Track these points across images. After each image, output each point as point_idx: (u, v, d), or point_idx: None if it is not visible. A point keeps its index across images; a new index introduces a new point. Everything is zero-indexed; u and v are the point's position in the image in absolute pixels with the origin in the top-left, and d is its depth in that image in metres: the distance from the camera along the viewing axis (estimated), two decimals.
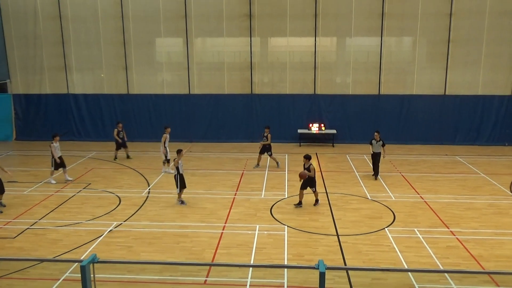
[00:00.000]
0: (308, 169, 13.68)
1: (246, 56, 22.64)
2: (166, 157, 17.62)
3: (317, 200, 14.11)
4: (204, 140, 22.97)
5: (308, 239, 11.70)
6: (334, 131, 22.29)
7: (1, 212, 13.50)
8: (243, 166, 18.64)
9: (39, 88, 23.80)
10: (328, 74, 22.68)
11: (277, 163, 18.51)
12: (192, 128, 23.15)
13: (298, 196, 13.99)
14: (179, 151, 14.41)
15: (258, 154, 18.43)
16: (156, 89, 23.30)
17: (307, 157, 13.89)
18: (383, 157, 16.71)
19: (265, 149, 18.21)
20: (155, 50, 23.39)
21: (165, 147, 17.54)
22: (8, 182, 16.19)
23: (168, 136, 17.84)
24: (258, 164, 18.42)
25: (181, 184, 14.12)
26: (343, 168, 18.41)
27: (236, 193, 15.27)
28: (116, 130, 19.51)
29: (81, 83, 23.68)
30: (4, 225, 12.61)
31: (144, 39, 22.84)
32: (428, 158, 20.04)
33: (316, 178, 14.07)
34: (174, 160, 14.30)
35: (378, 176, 16.69)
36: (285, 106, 22.83)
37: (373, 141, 16.57)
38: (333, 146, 22.14)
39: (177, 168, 14.08)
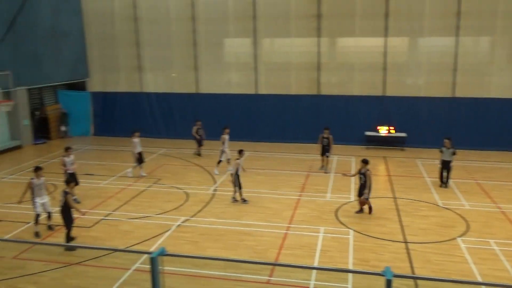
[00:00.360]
0: (364, 174, 13.12)
1: (313, 57, 22.46)
2: (221, 157, 17.77)
3: (370, 208, 13.30)
4: (269, 140, 23.06)
5: (374, 245, 11.41)
6: (404, 135, 21.55)
7: (79, 202, 14.32)
8: (308, 167, 18.52)
9: (115, 86, 25.06)
10: (398, 75, 21.95)
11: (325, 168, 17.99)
12: (257, 128, 23.34)
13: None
14: (240, 151, 14.57)
15: (320, 156, 18.15)
16: (224, 89, 23.73)
17: (365, 161, 13.30)
18: (452, 165, 15.69)
19: (325, 150, 17.92)
20: (224, 51, 23.83)
21: (223, 148, 17.67)
22: (85, 174, 17.23)
23: (227, 137, 18.00)
24: (323, 166, 18.16)
25: (238, 184, 14.23)
26: (413, 173, 17.76)
27: (301, 194, 15.20)
28: (195, 127, 20.08)
29: (153, 82, 24.65)
30: (82, 215, 13.37)
31: (213, 40, 23.34)
32: (506, 165, 18.84)
33: (373, 185, 13.40)
34: (235, 160, 14.42)
35: (449, 183, 15.82)
36: (352, 107, 22.39)
37: (443, 149, 15.74)
38: (402, 150, 21.41)
39: (237, 169, 14.21)
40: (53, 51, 23.70)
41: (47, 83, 24.13)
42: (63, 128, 24.87)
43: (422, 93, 21.64)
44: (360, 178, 13.25)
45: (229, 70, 23.75)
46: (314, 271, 10.09)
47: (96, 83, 25.36)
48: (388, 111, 22.02)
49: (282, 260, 10.67)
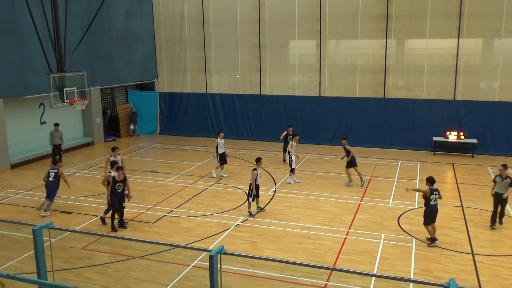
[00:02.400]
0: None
1: (380, 59, 21.88)
2: (290, 165, 16.65)
3: (432, 239, 11.44)
4: (331, 143, 22.77)
5: (439, 255, 10.90)
6: (474, 141, 20.45)
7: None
8: (371, 171, 18.07)
9: (182, 87, 25.85)
10: (471, 78, 20.87)
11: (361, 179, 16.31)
12: (320, 131, 23.12)
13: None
14: (258, 160, 13.96)
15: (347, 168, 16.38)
16: (287, 91, 23.73)
17: (429, 180, 11.51)
18: (506, 196, 12.14)
19: (352, 163, 16.20)
20: (288, 52, 23.83)
21: (290, 154, 16.66)
22: (151, 172, 17.90)
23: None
24: (350, 181, 16.39)
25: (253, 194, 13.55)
26: (483, 181, 16.80)
27: (362, 199, 14.86)
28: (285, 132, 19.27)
29: (218, 83, 25.14)
30: (146, 211, 13.93)
31: (278, 42, 23.41)
32: None
33: (432, 213, 11.48)
34: (252, 170, 13.62)
35: (503, 221, 12.63)
36: (420, 111, 21.57)
37: (497, 178, 12.52)
38: (472, 157, 20.32)
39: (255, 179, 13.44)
40: (125, 53, 24.88)
41: (118, 83, 25.38)
42: (132, 127, 26.00)
43: (497, 98, 20.43)
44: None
45: (293, 72, 23.71)
46: (373, 279, 9.81)
47: (164, 84, 26.29)
48: (458, 116, 21.01)
49: (340, 265, 10.48)
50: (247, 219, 13.22)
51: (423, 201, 11.69)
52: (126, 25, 24.82)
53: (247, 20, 23.70)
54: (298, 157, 17.16)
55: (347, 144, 16.32)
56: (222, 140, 17.23)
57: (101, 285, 9.66)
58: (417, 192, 14.60)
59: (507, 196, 12.18)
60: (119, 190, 12.35)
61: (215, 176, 17.29)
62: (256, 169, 13.56)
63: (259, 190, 13.74)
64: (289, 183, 16.57)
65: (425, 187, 11.53)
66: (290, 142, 17.14)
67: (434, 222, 11.46)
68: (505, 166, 12.53)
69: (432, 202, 11.35)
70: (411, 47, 22.03)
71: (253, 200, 13.53)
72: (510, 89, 20.21)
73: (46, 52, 15.95)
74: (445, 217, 13.21)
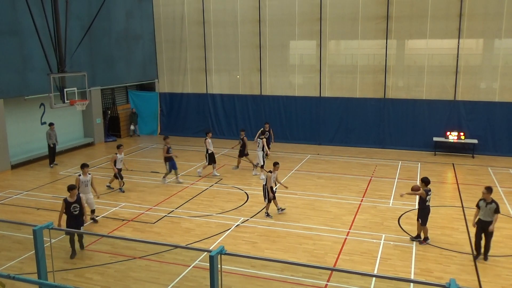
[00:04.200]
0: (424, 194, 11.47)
1: (381, 59, 21.89)
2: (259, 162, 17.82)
3: (425, 239, 11.51)
4: (332, 143, 22.79)
5: (439, 255, 10.90)
6: (475, 141, 20.45)
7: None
8: (372, 172, 18.07)
9: (182, 87, 25.86)
10: (472, 79, 20.87)
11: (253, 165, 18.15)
12: (320, 131, 23.12)
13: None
14: (275, 164, 13.92)
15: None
16: (288, 91, 23.73)
17: (424, 181, 11.59)
18: (491, 228, 10.48)
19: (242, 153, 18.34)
20: (289, 53, 23.83)
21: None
22: (151, 172, 17.91)
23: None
24: (237, 166, 18.59)
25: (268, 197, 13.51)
26: (483, 181, 16.77)
27: (362, 199, 14.86)
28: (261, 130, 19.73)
29: (219, 84, 25.14)
30: (146, 211, 13.93)
31: (279, 42, 23.42)
32: None
33: (428, 213, 11.54)
34: (267, 172, 13.71)
35: (488, 257, 10.64)
36: (420, 112, 21.57)
37: (481, 202, 10.71)
38: (473, 157, 20.31)
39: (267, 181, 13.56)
40: (126, 53, 24.89)
41: (119, 83, 25.38)
42: (132, 127, 26.00)
43: (497, 98, 20.43)
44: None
45: (294, 72, 23.72)
46: (374, 279, 9.81)
47: (164, 84, 26.29)
48: (458, 116, 21.01)
49: (341, 265, 10.47)
50: (247, 219, 13.22)
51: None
52: (127, 25, 24.83)
53: (247, 20, 23.70)
54: (267, 156, 18.41)
55: (244, 136, 18.29)
56: (210, 139, 17.55)
57: (102, 286, 9.66)
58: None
59: (493, 230, 10.49)
60: (75, 213, 10.68)
61: (201, 175, 17.54)
62: (271, 172, 13.54)
63: (275, 192, 13.66)
64: (255, 175, 17.66)
65: (420, 189, 11.50)
66: (263, 140, 18.01)
67: (426, 222, 11.51)
68: (489, 189, 10.65)
69: (428, 203, 11.44)
70: (411, 48, 22.03)
71: (269, 202, 13.47)
72: (510, 90, 20.22)
73: (47, 52, 15.97)
74: (445, 217, 13.21)
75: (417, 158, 20.31)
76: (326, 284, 9.59)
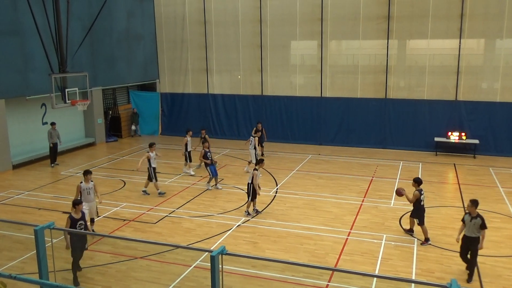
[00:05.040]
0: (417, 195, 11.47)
1: (382, 59, 21.88)
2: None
3: (426, 239, 11.45)
4: (333, 143, 22.79)
5: (440, 255, 10.90)
6: (476, 141, 20.43)
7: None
8: (372, 172, 18.06)
9: (183, 87, 25.87)
10: (473, 79, 20.84)
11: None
12: (321, 131, 23.12)
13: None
14: (260, 161, 14.04)
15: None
16: (289, 91, 23.73)
17: (417, 181, 11.63)
18: (480, 247, 9.81)
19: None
20: (290, 53, 23.83)
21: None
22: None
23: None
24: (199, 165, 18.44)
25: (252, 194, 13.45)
26: (485, 182, 16.79)
27: (363, 200, 14.85)
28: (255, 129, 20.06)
29: (220, 84, 25.15)
30: (147, 211, 13.94)
31: (280, 42, 23.41)
32: None
33: (423, 212, 11.63)
34: (253, 170, 13.66)
35: (472, 278, 9.77)
36: (421, 112, 21.55)
37: (466, 217, 9.92)
38: (474, 157, 20.29)
39: (252, 178, 13.42)
40: (127, 54, 24.91)
41: (120, 83, 25.40)
42: (133, 127, 26.01)
43: (498, 98, 20.41)
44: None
45: (295, 72, 23.71)
46: (375, 279, 9.80)
47: (165, 84, 26.30)
48: (460, 117, 21.00)
49: (342, 266, 10.47)
50: (248, 219, 13.22)
51: (424, 201, 11.71)
52: (128, 25, 24.85)
53: (248, 20, 23.71)
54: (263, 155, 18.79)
55: (206, 134, 18.80)
56: (190, 138, 18.00)
57: (103, 285, 9.67)
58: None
59: (482, 248, 9.76)
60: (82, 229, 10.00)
61: (193, 173, 17.76)
62: (257, 169, 13.55)
63: (257, 191, 13.53)
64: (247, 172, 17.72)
65: (415, 192, 11.50)
66: (255, 138, 18.64)
67: (423, 222, 11.57)
68: (474, 202, 9.89)
69: (422, 203, 11.53)
70: (412, 48, 22.02)
71: (252, 200, 13.48)
72: (511, 90, 20.19)
73: (48, 52, 15.98)
74: (446, 217, 13.20)
75: (418, 158, 20.29)
76: (327, 285, 9.60)
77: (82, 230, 9.94)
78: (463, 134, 20.56)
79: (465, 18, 20.21)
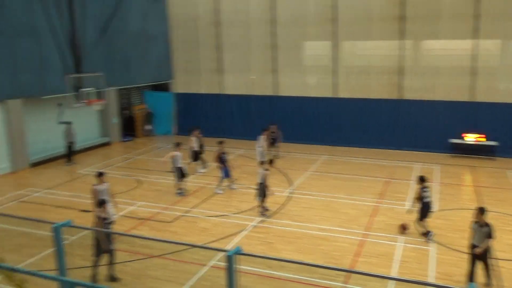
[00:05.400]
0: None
1: (396, 60, 21.70)
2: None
3: (427, 233, 11.77)
4: (346, 144, 22.65)
5: (459, 259, 10.76)
6: (494, 143, 20.13)
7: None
8: (388, 173, 17.91)
9: (197, 88, 25.97)
10: (489, 80, 20.56)
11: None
12: (335, 132, 23.01)
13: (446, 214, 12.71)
14: (271, 161, 14.50)
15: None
16: (302, 92, 23.66)
17: (421, 179, 11.90)
18: (478, 251, 9.32)
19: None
20: (303, 54, 23.77)
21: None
22: (167, 172, 17.95)
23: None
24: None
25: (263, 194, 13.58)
26: (504, 184, 16.55)
27: (379, 201, 14.74)
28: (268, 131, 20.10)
29: (233, 84, 25.19)
30: (163, 210, 14.00)
31: (293, 43, 23.37)
32: None
33: (427, 209, 11.86)
34: (264, 170, 13.67)
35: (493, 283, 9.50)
36: (436, 113, 21.31)
37: (474, 225, 9.59)
38: (492, 159, 20.00)
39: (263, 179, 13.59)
40: (141, 54, 25.04)
41: (134, 84, 25.55)
42: (148, 127, 26.16)
43: None
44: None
45: (308, 73, 23.64)
46: (391, 282, 9.74)
47: (179, 85, 26.42)
48: (475, 118, 20.72)
49: (358, 267, 10.40)
50: (264, 220, 13.19)
51: (442, 203, 11.63)
52: (142, 26, 24.97)
53: (261, 21, 23.70)
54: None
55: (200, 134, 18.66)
56: (196, 138, 18.11)
57: (120, 283, 9.72)
58: (436, 194, 14.57)
59: (479, 252, 9.30)
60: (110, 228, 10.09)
61: (203, 171, 18.09)
62: (268, 170, 13.69)
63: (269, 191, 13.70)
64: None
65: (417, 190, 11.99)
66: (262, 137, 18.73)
67: (426, 217, 11.89)
68: (481, 210, 9.51)
69: (426, 199, 11.75)
70: (427, 48, 21.80)
71: (263, 198, 13.54)
72: None
73: (64, 53, 16.12)
74: (464, 220, 13.02)
75: (434, 160, 20.09)
76: (343, 286, 9.53)
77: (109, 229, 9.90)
78: (480, 135, 20.28)
79: (481, 18, 19.95)
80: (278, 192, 15.55)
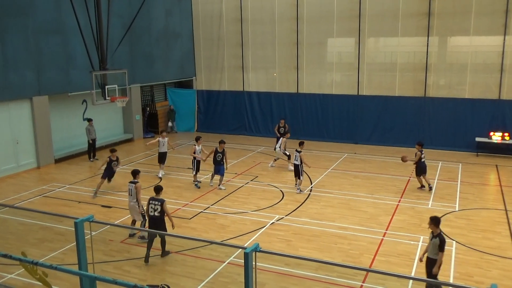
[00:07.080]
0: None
1: (421, 57, 21.33)
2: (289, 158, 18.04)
3: (429, 186, 15.28)
4: (369, 142, 22.42)
5: (480, 259, 10.56)
6: None
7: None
8: (410, 172, 17.65)
9: (219, 85, 26.07)
10: None
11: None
12: (358, 129, 22.79)
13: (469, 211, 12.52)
14: (301, 143, 15.70)
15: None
16: (325, 89, 23.51)
17: (419, 144, 15.59)
18: (434, 271, 8.68)
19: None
20: (326, 50, 23.59)
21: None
22: (188, 168, 18.10)
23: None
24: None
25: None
26: None
27: (400, 200, 14.56)
28: (277, 125, 20.22)
29: (255, 82, 25.20)
30: (183, 207, 14.14)
31: (316, 40, 23.22)
32: None
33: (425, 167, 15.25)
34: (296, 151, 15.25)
35: None
36: (462, 111, 20.89)
37: (430, 235, 8.99)
38: None
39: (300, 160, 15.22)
40: (165, 51, 25.30)
41: (158, 81, 25.84)
42: (170, 124, 26.42)
43: None
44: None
45: (331, 70, 23.47)
46: (410, 281, 9.63)
47: (202, 82, 26.58)
48: (503, 116, 20.22)
49: (377, 266, 10.30)
50: (282, 217, 13.20)
51: (464, 203, 11.41)
52: (166, 24, 25.22)
53: (285, 18, 23.62)
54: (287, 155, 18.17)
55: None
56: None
57: (139, 278, 9.88)
58: (458, 193, 14.35)
59: (437, 272, 8.64)
60: (157, 214, 10.67)
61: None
62: (301, 151, 15.54)
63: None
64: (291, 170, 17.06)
65: (417, 152, 15.29)
66: (283, 139, 18.29)
67: (425, 173, 15.29)
68: (433, 220, 8.85)
69: (423, 160, 15.19)
70: (454, 45, 21.38)
71: (300, 178, 15.34)
72: None
73: (89, 50, 16.42)
74: (487, 220, 12.78)
75: (458, 158, 19.71)
76: (361, 285, 9.47)
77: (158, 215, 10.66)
78: (506, 134, 19.80)
79: (510, 14, 19.44)
80: (294, 190, 15.53)
